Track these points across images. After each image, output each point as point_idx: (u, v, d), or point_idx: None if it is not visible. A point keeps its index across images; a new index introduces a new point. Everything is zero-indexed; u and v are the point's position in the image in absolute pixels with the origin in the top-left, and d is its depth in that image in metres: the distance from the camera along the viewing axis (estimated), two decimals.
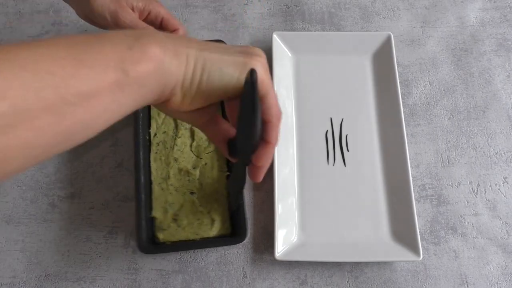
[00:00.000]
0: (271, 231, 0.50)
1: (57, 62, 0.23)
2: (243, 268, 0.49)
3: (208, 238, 0.47)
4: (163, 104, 0.31)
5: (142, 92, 0.27)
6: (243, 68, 0.30)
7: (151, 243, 0.47)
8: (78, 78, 0.24)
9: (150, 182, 0.49)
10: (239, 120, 0.31)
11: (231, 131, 0.36)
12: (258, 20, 0.62)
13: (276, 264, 0.49)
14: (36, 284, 0.48)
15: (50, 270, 0.49)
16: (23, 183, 0.53)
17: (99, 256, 0.49)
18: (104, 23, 0.45)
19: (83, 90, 0.24)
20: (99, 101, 0.25)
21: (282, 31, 0.60)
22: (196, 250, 0.49)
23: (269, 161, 0.35)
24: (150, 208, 0.49)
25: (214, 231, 0.48)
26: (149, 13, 0.47)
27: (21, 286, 0.48)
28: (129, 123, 0.55)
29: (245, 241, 0.50)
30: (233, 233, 0.48)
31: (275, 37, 0.57)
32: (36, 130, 0.22)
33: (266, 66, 0.32)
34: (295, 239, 0.49)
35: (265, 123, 0.33)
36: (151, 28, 0.46)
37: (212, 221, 0.48)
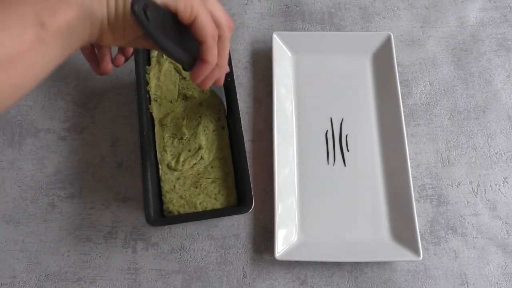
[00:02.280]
0: (271, 231, 0.50)
1: None
2: (243, 268, 0.49)
3: (214, 209, 0.48)
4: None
5: (68, 41, 0.27)
6: None
7: (160, 216, 0.47)
8: None
9: (157, 163, 0.50)
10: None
11: None
12: (258, 20, 0.62)
13: (276, 264, 0.49)
14: (36, 284, 0.48)
15: (50, 270, 0.49)
16: (23, 183, 0.53)
17: (99, 256, 0.49)
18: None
19: (2, 56, 0.23)
20: (23, 62, 0.24)
21: (282, 31, 0.60)
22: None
23: (210, 79, 0.37)
24: (158, 186, 0.49)
25: (219, 202, 0.48)
26: None
27: (21, 286, 0.48)
28: (130, 122, 0.55)
29: (245, 241, 0.50)
30: (239, 203, 0.48)
31: (275, 37, 0.57)
32: None
33: None
34: (295, 239, 0.49)
35: (200, 44, 0.34)
36: None
37: (218, 191, 0.48)
